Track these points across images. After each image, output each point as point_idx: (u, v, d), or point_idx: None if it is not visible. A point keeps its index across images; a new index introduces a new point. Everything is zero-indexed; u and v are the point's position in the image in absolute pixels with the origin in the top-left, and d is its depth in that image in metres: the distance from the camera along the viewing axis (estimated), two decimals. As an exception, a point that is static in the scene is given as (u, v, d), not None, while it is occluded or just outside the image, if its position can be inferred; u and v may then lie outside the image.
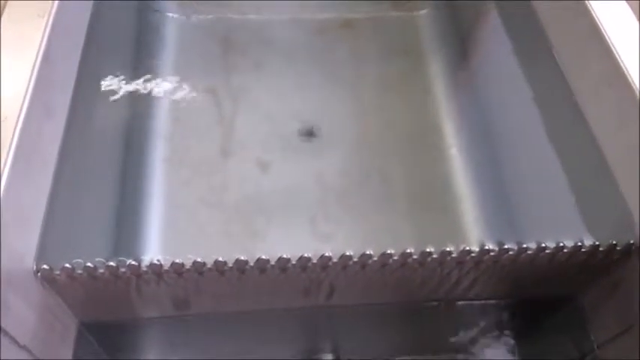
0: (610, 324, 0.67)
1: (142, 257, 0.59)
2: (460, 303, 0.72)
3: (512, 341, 0.79)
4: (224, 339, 0.78)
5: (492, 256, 0.62)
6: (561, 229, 0.64)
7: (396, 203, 0.70)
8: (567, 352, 0.74)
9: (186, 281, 0.61)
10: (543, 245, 0.62)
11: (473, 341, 0.79)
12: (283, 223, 0.66)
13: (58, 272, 0.57)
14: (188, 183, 0.70)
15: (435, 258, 0.62)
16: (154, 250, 0.62)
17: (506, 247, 0.62)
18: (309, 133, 0.76)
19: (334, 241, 0.65)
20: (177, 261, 0.58)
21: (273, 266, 0.60)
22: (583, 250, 0.62)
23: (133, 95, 0.75)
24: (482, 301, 0.73)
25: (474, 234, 0.66)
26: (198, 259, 0.58)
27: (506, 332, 0.79)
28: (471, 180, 0.72)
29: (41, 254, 0.57)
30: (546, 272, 0.66)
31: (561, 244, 0.62)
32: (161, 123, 0.75)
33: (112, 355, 0.74)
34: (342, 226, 0.66)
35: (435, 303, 0.71)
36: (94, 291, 0.60)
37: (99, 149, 0.69)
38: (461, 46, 0.87)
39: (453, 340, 0.79)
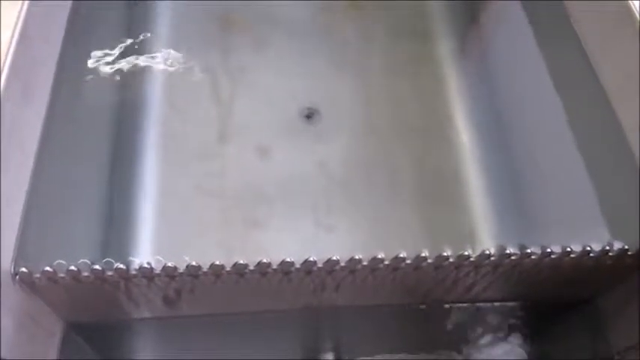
0: (633, 331, 0.63)
1: (132, 259, 0.54)
2: (473, 305, 0.68)
3: (525, 343, 0.76)
4: (219, 338, 0.74)
5: (513, 260, 0.58)
6: (579, 227, 0.60)
7: (402, 194, 0.65)
8: (583, 356, 0.70)
9: (180, 284, 0.56)
10: (569, 249, 0.57)
11: (484, 342, 0.76)
12: (284, 213, 0.62)
13: (38, 276, 0.52)
14: (184, 170, 0.65)
15: (451, 262, 0.57)
16: (146, 243, 0.58)
17: (528, 251, 0.57)
18: (312, 118, 0.71)
19: (337, 232, 0.61)
20: (169, 264, 0.54)
21: (275, 270, 0.56)
22: (610, 254, 0.58)
23: (123, 76, 0.70)
24: (497, 303, 0.69)
25: (485, 227, 0.62)
26: (193, 263, 0.54)
27: (520, 334, 0.75)
28: (483, 171, 0.67)
29: (20, 256, 0.53)
30: (568, 276, 0.62)
31: (588, 248, 0.58)
32: (154, 106, 0.69)
33: (103, 355, 0.69)
34: (346, 217, 0.62)
35: (447, 305, 0.68)
36: (80, 294, 0.56)
37: (85, 136, 0.63)
38: (473, 27, 0.82)
39: (463, 340, 0.76)
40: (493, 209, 0.63)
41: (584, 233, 0.59)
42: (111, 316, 0.64)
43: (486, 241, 0.60)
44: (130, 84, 0.70)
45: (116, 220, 0.59)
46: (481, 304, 0.69)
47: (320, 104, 0.72)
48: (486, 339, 0.76)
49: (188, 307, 0.63)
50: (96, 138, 0.64)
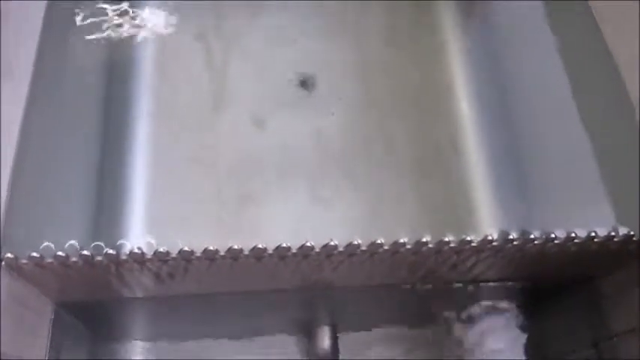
0: (632, 315, 0.63)
1: (122, 242, 0.52)
2: (473, 284, 0.68)
3: (524, 324, 0.75)
4: (213, 315, 0.73)
5: (516, 245, 0.56)
6: (582, 207, 0.59)
7: (400, 167, 0.63)
8: (583, 339, 0.70)
9: (173, 268, 0.55)
10: (573, 235, 0.56)
11: (481, 320, 0.75)
12: (280, 187, 0.60)
13: (24, 261, 0.50)
14: (176, 140, 0.62)
15: (452, 247, 0.56)
16: (138, 220, 0.56)
17: (532, 236, 0.56)
18: (308, 86, 0.68)
19: (334, 206, 0.59)
20: (161, 249, 0.52)
21: (271, 255, 0.54)
22: (615, 239, 0.57)
23: (112, 41, 0.66)
24: (497, 283, 0.68)
25: (484, 204, 0.60)
26: (186, 248, 0.52)
27: (518, 314, 0.75)
28: (483, 145, 0.64)
29: (4, 240, 0.51)
30: (570, 260, 0.60)
31: (592, 234, 0.56)
32: (145, 72, 0.66)
33: (95, 332, 0.68)
34: (343, 192, 0.60)
35: (446, 285, 0.66)
36: (68, 277, 0.54)
37: (71, 111, 0.60)
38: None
39: (461, 319, 0.76)
40: (494, 184, 0.62)
41: (587, 214, 0.58)
42: (102, 295, 0.62)
43: (486, 219, 0.58)
44: (120, 52, 0.66)
45: (106, 197, 0.57)
46: (481, 284, 0.68)
47: (316, 72, 0.68)
48: (483, 317, 0.75)
49: (181, 288, 0.61)
50: (83, 112, 0.61)
